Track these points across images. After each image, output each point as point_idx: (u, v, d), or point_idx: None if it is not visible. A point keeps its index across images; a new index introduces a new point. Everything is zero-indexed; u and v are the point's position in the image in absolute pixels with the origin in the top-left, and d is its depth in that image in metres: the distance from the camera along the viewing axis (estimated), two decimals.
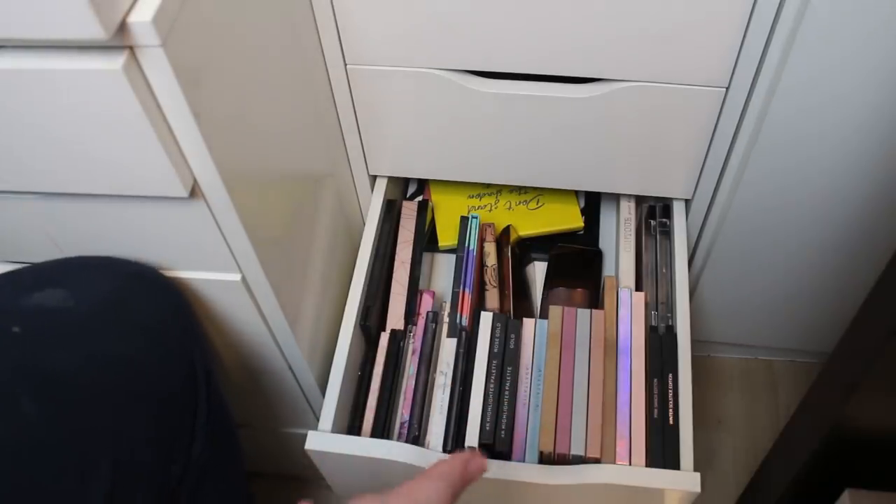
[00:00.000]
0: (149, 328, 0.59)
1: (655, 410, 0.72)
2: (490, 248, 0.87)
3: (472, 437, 0.72)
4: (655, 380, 0.74)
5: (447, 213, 0.93)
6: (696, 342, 0.98)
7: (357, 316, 0.79)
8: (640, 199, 0.90)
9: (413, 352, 0.78)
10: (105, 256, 0.61)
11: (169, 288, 0.62)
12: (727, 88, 0.71)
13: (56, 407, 0.51)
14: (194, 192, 0.54)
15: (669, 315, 0.79)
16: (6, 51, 0.45)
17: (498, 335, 0.77)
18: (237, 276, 0.63)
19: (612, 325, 0.77)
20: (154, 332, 0.59)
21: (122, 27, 0.43)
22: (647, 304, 0.79)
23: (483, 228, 0.87)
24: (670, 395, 0.73)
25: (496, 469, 0.69)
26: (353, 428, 0.76)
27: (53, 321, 0.55)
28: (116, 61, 0.44)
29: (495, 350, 0.76)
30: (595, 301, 0.85)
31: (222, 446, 0.65)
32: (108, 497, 0.50)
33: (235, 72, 0.56)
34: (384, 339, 0.80)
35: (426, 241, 0.89)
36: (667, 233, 0.85)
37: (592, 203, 0.96)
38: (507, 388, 0.74)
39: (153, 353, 0.58)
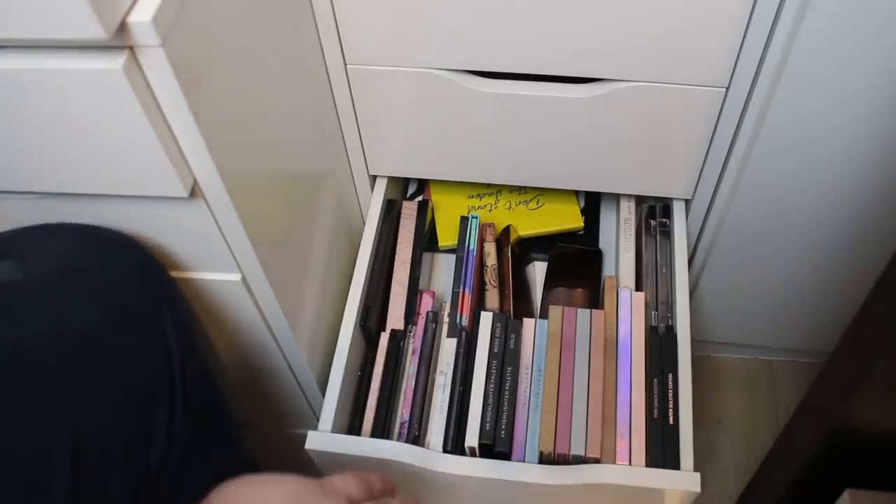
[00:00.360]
0: (110, 300, 0.54)
1: (655, 410, 0.72)
2: (490, 248, 0.87)
3: (472, 437, 0.72)
4: (655, 380, 0.74)
5: (447, 213, 0.93)
6: (696, 342, 0.98)
7: (357, 316, 0.79)
8: (640, 199, 0.90)
9: (413, 352, 0.78)
10: (71, 224, 0.56)
11: (141, 255, 0.58)
12: (727, 89, 0.71)
13: None
14: (194, 192, 0.54)
15: (669, 315, 0.79)
16: (6, 51, 0.45)
17: (498, 335, 0.77)
18: (237, 276, 0.63)
19: (612, 325, 0.77)
20: (117, 304, 0.54)
21: (122, 27, 0.43)
22: (647, 304, 0.79)
23: (483, 228, 0.87)
24: (670, 395, 0.73)
25: (496, 469, 0.70)
26: (353, 428, 0.76)
27: None
28: (116, 61, 0.44)
29: (495, 350, 0.76)
30: (595, 301, 0.85)
31: (210, 424, 0.61)
32: (70, 491, 0.46)
33: (235, 72, 0.56)
34: (384, 339, 0.80)
35: (426, 241, 0.89)
36: (667, 233, 0.85)
37: (592, 203, 0.96)
38: (507, 388, 0.74)
39: (115, 326, 0.53)
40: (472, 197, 0.95)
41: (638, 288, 0.82)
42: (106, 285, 0.54)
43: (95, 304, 0.53)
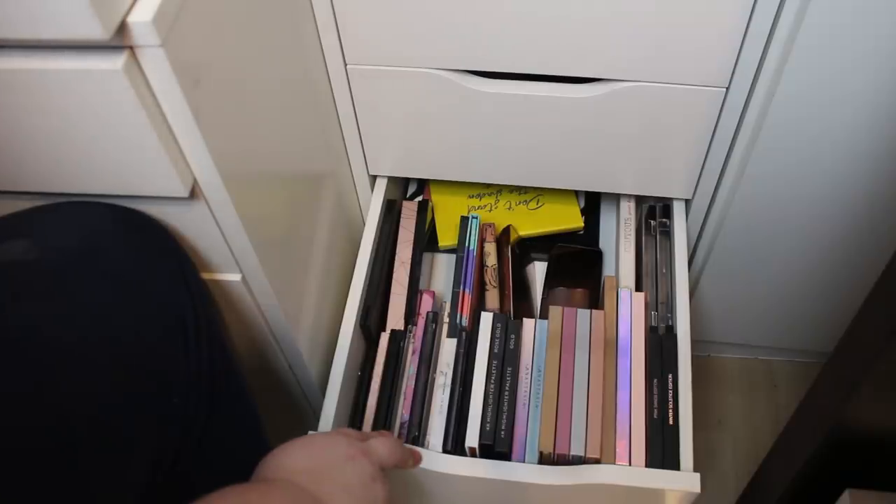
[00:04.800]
0: (126, 279, 0.53)
1: (655, 410, 0.72)
2: (490, 248, 0.87)
3: (472, 437, 0.72)
4: (655, 380, 0.74)
5: (447, 213, 0.93)
6: (696, 342, 0.98)
7: (357, 316, 0.79)
8: (640, 199, 0.90)
9: (413, 352, 0.78)
10: (89, 201, 0.55)
11: (158, 234, 0.57)
12: (727, 88, 0.71)
13: (14, 375, 0.44)
14: (194, 192, 0.54)
15: (669, 315, 0.79)
16: (6, 51, 0.45)
17: (498, 335, 0.77)
18: (237, 276, 0.63)
19: (612, 325, 0.77)
20: (133, 284, 0.53)
21: (123, 27, 0.43)
22: (647, 304, 0.79)
23: (483, 228, 0.87)
24: (670, 395, 0.73)
25: (496, 469, 0.69)
26: (353, 428, 0.76)
27: (12, 276, 0.49)
28: (116, 61, 0.44)
29: (495, 350, 0.76)
30: (595, 301, 0.85)
31: (229, 405, 0.60)
32: (87, 470, 0.45)
33: (235, 72, 0.56)
34: (384, 339, 0.80)
35: (426, 241, 0.89)
36: (667, 233, 0.85)
37: (592, 203, 0.96)
38: (507, 388, 0.74)
39: (130, 306, 0.52)
40: (472, 197, 0.95)
41: (638, 288, 0.82)
42: (122, 265, 0.53)
43: (111, 283, 0.52)
